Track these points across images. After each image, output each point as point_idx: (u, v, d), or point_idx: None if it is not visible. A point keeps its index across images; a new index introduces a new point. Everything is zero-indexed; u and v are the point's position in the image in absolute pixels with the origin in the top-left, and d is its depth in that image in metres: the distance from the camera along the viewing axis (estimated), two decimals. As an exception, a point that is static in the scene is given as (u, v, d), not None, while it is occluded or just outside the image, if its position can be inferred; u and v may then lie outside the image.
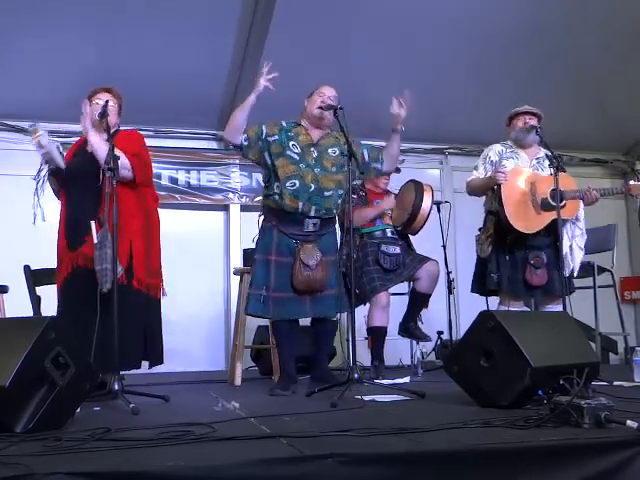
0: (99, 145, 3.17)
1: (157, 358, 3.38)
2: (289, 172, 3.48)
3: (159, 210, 3.55)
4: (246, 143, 3.53)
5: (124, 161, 3.19)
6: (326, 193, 3.47)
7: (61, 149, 3.39)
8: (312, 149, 3.54)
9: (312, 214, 3.45)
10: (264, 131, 3.55)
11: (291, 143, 3.53)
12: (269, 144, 3.54)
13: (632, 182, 3.92)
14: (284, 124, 3.61)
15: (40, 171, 3.35)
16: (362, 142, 3.75)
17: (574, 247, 3.87)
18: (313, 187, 3.44)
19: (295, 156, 3.50)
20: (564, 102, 5.52)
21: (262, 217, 3.62)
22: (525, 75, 5.38)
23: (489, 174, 3.87)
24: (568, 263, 3.85)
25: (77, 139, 3.65)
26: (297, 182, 3.45)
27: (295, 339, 3.59)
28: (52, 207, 3.46)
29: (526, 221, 3.73)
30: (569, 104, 5.65)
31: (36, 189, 3.34)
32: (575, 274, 3.94)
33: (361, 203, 4.31)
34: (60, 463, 1.58)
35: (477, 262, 4.00)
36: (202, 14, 4.68)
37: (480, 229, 3.99)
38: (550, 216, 3.68)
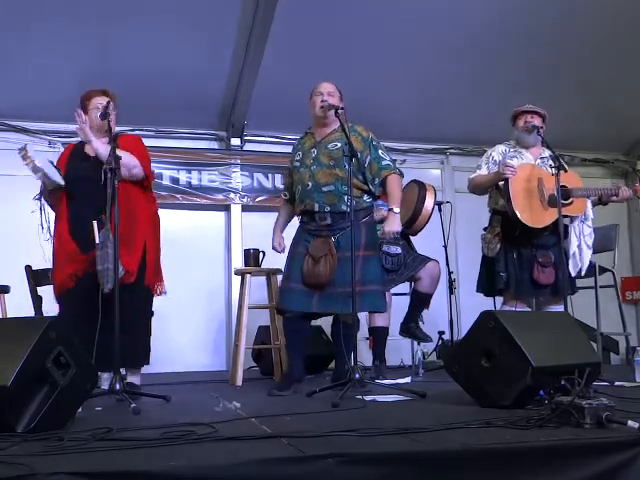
0: (106, 151, 3.12)
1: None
2: (296, 181, 3.60)
3: (161, 210, 3.56)
4: (289, 196, 3.75)
5: (132, 160, 3.21)
6: (324, 188, 3.45)
7: (54, 162, 3.35)
8: (312, 150, 3.54)
9: (316, 210, 3.46)
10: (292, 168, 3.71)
11: (298, 156, 3.63)
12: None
13: (639, 184, 3.91)
14: (297, 142, 3.75)
15: (41, 194, 3.33)
16: (380, 152, 3.56)
17: (582, 246, 3.83)
18: (310, 185, 3.48)
19: (297, 164, 3.60)
20: (564, 102, 5.52)
21: None
22: (525, 75, 5.38)
23: (495, 170, 3.81)
24: (576, 262, 3.81)
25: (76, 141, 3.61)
26: (300, 186, 3.53)
27: (304, 337, 3.54)
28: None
29: (533, 215, 3.68)
30: (569, 104, 5.64)
31: (40, 208, 3.34)
32: (583, 273, 3.91)
33: None
34: (62, 463, 1.58)
35: (483, 262, 3.94)
36: (203, 14, 4.67)
37: (485, 228, 3.95)
38: (557, 212, 3.65)
